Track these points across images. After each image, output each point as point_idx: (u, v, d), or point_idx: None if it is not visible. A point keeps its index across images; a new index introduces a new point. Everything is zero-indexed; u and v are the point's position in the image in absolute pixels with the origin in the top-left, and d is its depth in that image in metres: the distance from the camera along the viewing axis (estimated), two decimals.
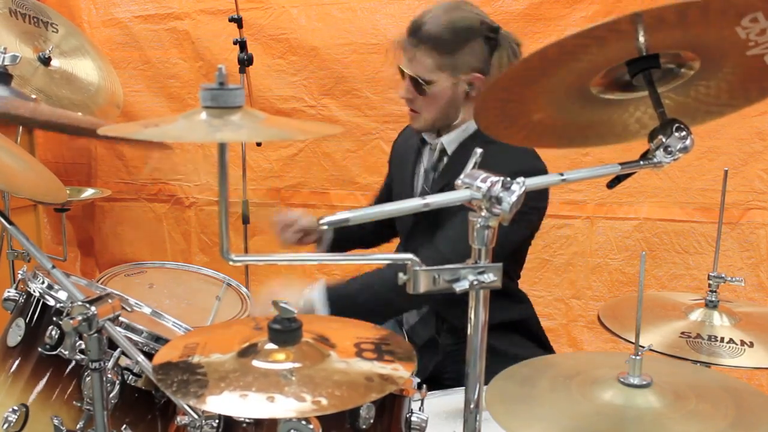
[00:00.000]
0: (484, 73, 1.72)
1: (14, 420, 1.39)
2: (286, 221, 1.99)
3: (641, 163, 1.02)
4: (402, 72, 1.75)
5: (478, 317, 0.92)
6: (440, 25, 1.67)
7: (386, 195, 2.13)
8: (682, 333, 1.48)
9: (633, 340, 1.07)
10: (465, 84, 1.72)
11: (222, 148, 0.79)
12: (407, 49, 1.72)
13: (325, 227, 0.83)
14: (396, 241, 2.07)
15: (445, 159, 1.82)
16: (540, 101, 1.07)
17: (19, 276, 1.58)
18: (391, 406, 1.27)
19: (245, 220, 2.92)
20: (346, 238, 2.08)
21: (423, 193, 1.86)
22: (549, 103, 1.08)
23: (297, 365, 0.92)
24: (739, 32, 0.90)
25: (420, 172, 1.90)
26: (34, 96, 2.17)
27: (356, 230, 2.04)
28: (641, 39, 0.91)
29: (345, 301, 1.64)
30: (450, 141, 1.80)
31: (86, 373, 1.34)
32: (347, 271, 3.11)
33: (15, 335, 1.50)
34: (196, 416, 1.22)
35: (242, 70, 2.75)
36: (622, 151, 2.86)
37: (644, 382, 1.06)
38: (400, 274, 0.88)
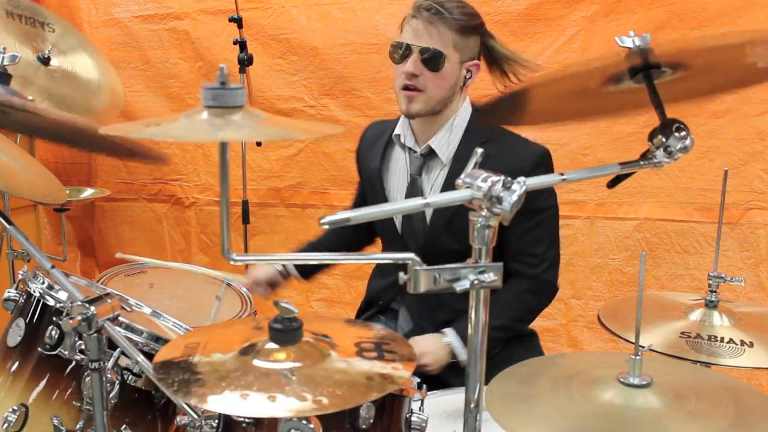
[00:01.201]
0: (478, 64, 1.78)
1: (14, 420, 1.39)
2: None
3: (641, 163, 1.03)
4: (409, 47, 1.68)
5: (478, 317, 0.92)
6: (459, 7, 1.70)
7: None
8: (682, 333, 1.48)
9: (633, 340, 1.08)
10: (465, 71, 1.74)
11: (223, 147, 0.79)
12: (425, 21, 1.66)
13: (326, 227, 0.83)
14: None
15: (440, 167, 1.80)
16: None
17: (20, 276, 1.58)
18: (391, 406, 1.27)
19: (245, 220, 2.92)
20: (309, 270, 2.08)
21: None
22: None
23: (297, 365, 0.92)
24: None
25: (403, 179, 1.87)
26: (31, 98, 2.16)
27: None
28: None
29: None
30: (440, 143, 1.78)
31: (86, 373, 1.34)
32: (347, 270, 3.11)
33: (15, 335, 1.50)
34: (195, 416, 1.22)
35: (242, 70, 2.75)
36: (623, 150, 2.85)
37: (644, 382, 1.06)
38: (401, 274, 0.88)
